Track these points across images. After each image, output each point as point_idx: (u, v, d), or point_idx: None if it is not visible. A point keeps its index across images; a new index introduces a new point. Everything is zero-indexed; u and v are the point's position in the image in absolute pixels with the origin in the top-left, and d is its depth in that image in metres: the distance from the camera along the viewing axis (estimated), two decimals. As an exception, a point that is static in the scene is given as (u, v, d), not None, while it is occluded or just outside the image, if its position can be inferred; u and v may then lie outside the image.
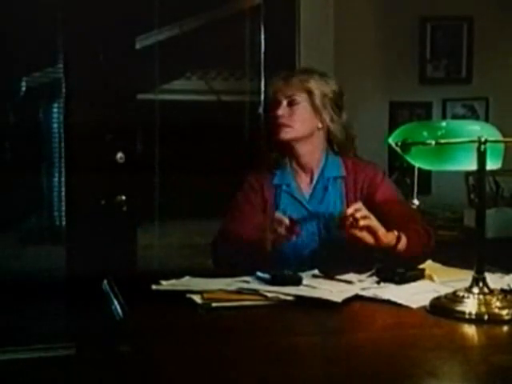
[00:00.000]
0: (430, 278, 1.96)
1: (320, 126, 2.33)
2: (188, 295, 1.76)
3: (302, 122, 2.29)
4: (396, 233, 2.10)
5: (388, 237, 2.07)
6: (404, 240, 2.10)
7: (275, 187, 2.37)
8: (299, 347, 1.47)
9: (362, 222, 2.01)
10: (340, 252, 2.16)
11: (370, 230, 2.03)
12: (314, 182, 2.36)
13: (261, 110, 3.87)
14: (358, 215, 2.01)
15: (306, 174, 2.38)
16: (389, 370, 1.33)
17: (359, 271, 1.99)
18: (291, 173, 2.38)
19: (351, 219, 2.01)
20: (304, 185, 2.37)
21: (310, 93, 2.28)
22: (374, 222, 2.04)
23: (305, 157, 2.35)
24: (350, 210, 2.03)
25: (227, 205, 2.44)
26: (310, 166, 2.36)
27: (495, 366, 1.37)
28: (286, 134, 2.29)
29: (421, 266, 2.05)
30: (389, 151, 3.42)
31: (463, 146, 1.71)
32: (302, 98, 2.29)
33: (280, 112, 2.27)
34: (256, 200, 2.37)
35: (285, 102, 2.28)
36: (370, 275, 1.96)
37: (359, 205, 2.05)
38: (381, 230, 2.05)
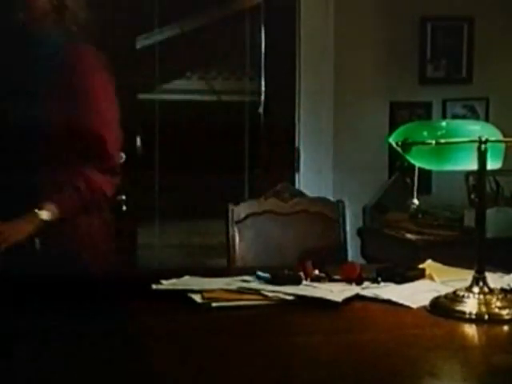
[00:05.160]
0: (431, 278, 1.96)
1: None
2: (188, 295, 1.76)
3: None
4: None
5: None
6: (53, 208, 1.98)
7: None
8: (299, 347, 1.47)
9: None
10: None
11: None
12: None
13: (261, 109, 3.87)
14: None
15: None
16: (389, 369, 1.33)
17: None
18: None
19: None
20: None
21: None
22: None
23: None
24: None
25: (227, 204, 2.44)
26: None
27: (495, 366, 1.37)
28: None
29: (421, 266, 2.05)
30: (389, 151, 3.42)
31: (463, 145, 1.71)
32: None
33: None
34: None
35: None
36: (370, 275, 1.96)
37: None
38: None
